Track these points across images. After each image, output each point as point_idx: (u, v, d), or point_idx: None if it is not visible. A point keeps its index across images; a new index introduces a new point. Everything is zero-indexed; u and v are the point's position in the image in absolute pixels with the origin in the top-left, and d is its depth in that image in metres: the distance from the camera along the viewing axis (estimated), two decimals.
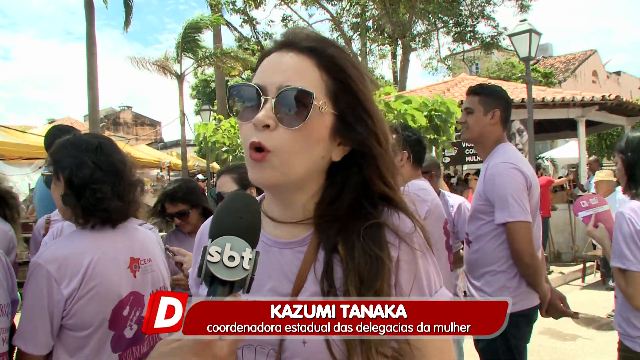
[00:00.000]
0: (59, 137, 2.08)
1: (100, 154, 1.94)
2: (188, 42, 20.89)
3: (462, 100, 7.88)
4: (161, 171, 17.14)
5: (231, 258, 0.84)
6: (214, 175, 16.74)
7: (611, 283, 8.54)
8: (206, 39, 22.55)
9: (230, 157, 10.97)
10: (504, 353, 2.87)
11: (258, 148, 1.01)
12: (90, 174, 1.89)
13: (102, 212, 1.91)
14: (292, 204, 1.12)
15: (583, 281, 9.53)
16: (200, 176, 17.64)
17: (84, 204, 1.89)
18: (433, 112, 7.74)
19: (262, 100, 1.01)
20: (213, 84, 32.03)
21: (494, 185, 2.85)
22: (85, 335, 1.84)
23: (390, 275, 1.02)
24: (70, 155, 1.92)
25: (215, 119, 13.79)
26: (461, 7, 23.07)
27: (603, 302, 7.69)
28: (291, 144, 1.01)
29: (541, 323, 6.33)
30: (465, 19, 23.48)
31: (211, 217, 1.30)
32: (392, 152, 1.13)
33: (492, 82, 16.04)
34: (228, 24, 23.25)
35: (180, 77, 21.42)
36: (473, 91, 3.13)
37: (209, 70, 24.36)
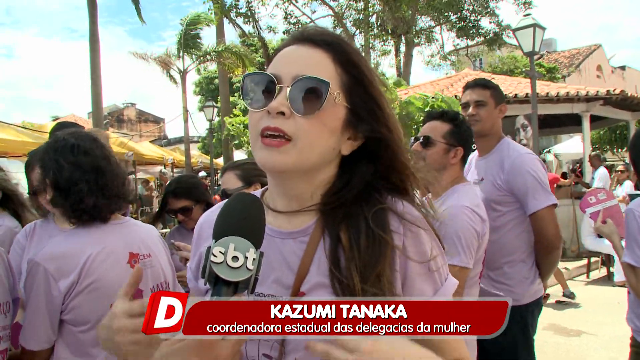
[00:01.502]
0: None
1: (78, 153, 1.95)
2: (188, 40, 20.96)
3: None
4: (165, 168, 17.18)
5: (235, 258, 0.83)
6: (218, 172, 16.78)
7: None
8: (209, 34, 22.71)
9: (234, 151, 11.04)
10: (523, 345, 2.91)
11: (272, 134, 1.02)
12: (69, 175, 1.91)
13: (84, 210, 1.93)
14: (297, 195, 1.12)
15: (588, 277, 9.51)
16: (202, 173, 17.65)
17: (70, 204, 1.91)
18: (435, 107, 7.72)
19: (277, 88, 1.03)
20: (216, 81, 32.03)
21: (524, 175, 2.91)
22: (85, 330, 1.86)
23: (394, 261, 1.03)
24: (50, 159, 1.95)
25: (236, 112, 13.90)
26: (464, 3, 22.96)
27: (607, 298, 7.68)
28: (307, 132, 1.02)
29: (545, 319, 6.34)
30: (469, 15, 23.37)
31: (209, 211, 1.30)
32: (405, 145, 1.14)
33: (497, 77, 16.00)
34: (231, 20, 23.20)
35: (182, 74, 21.47)
36: (482, 85, 3.17)
37: (212, 67, 24.37)
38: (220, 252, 0.83)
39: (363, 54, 1.16)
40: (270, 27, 23.92)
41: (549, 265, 3.01)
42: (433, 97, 8.00)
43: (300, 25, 22.50)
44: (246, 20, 22.81)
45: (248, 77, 1.09)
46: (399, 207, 1.09)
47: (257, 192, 1.23)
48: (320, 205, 1.11)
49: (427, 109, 7.58)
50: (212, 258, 0.83)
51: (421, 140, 2.66)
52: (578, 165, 14.55)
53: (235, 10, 22.22)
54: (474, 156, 3.27)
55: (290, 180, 1.10)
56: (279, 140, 1.02)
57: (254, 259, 0.84)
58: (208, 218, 1.28)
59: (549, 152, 17.60)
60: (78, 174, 1.91)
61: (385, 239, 1.03)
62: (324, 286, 1.03)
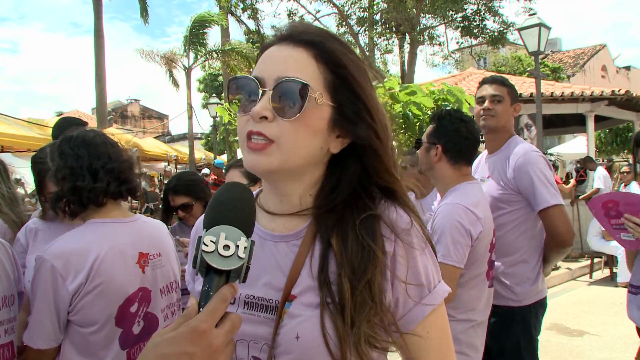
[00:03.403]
0: (67, 128, 2.09)
1: (73, 145, 1.94)
2: (195, 36, 20.95)
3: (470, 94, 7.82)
4: (168, 164, 17.19)
5: (226, 247, 0.83)
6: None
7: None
8: (214, 33, 22.67)
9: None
10: (526, 347, 2.91)
11: (257, 137, 1.01)
12: (57, 167, 1.92)
13: (66, 204, 1.93)
14: (288, 195, 1.12)
15: (590, 277, 9.48)
16: (206, 170, 17.64)
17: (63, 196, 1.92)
18: (440, 102, 7.67)
19: (260, 92, 1.02)
20: (220, 78, 32.03)
21: (530, 174, 2.90)
22: (92, 331, 1.84)
23: (385, 268, 1.02)
24: (51, 152, 1.96)
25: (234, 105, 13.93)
26: (468, 2, 22.89)
27: (610, 298, 7.67)
28: (290, 135, 1.01)
29: (548, 319, 6.33)
30: (473, 14, 23.30)
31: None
32: (391, 147, 1.12)
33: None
34: (236, 17, 23.15)
35: (187, 71, 21.49)
36: (500, 81, 3.16)
37: (217, 64, 24.36)
38: (211, 241, 0.83)
39: (367, 53, 1.14)
40: (274, 26, 23.87)
41: (557, 258, 3.05)
42: (439, 90, 7.94)
43: None
44: (250, 16, 22.80)
45: (234, 80, 1.08)
46: (391, 215, 1.07)
47: (253, 193, 1.23)
48: (312, 209, 1.11)
49: (430, 104, 7.52)
50: (203, 247, 0.82)
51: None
52: (581, 168, 14.47)
53: (241, 3, 22.20)
54: (483, 154, 3.27)
55: (280, 181, 1.10)
56: (263, 143, 1.01)
57: (245, 248, 0.84)
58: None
59: (551, 154, 17.51)
60: (62, 167, 1.92)
61: (374, 248, 1.02)
62: (315, 290, 1.02)
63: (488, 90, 3.12)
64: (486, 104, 3.08)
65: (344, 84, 1.06)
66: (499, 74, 3.38)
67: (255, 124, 1.01)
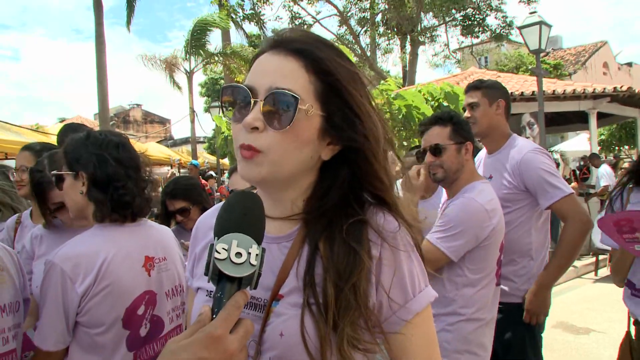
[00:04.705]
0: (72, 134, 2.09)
1: (122, 150, 1.99)
2: (197, 40, 21.00)
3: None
4: (172, 168, 17.23)
5: (238, 254, 0.84)
6: (224, 172, 16.79)
7: None
8: (215, 37, 22.74)
9: None
10: (530, 344, 2.93)
11: (248, 148, 1.03)
12: (113, 170, 1.93)
13: (126, 207, 1.96)
14: (281, 201, 1.13)
15: (596, 274, 9.46)
16: (212, 173, 17.67)
17: (109, 200, 1.93)
18: (440, 100, 7.68)
19: (252, 102, 1.03)
20: (222, 82, 32.06)
21: (536, 171, 2.91)
22: (99, 332, 1.86)
23: (370, 273, 1.04)
24: (90, 152, 1.95)
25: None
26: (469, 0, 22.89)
27: (615, 295, 7.64)
28: (279, 146, 1.02)
29: (553, 317, 6.33)
30: (474, 12, 23.29)
31: (206, 212, 1.31)
32: (384, 154, 1.12)
33: (502, 75, 15.93)
34: (238, 25, 23.14)
35: (189, 75, 21.52)
36: (473, 87, 3.21)
37: (218, 67, 24.40)
38: (223, 248, 0.84)
39: (369, 54, 1.14)
40: (276, 29, 23.85)
41: (581, 242, 2.93)
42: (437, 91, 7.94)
43: (305, 27, 22.50)
44: (252, 21, 22.82)
45: (226, 89, 1.09)
46: (379, 220, 1.08)
47: None
48: (303, 214, 1.12)
49: (427, 104, 7.52)
50: (216, 255, 0.83)
51: (430, 150, 2.67)
52: (584, 166, 14.45)
53: (241, 11, 22.22)
54: (482, 154, 3.28)
55: (272, 188, 1.12)
56: (251, 152, 1.03)
57: (257, 255, 0.85)
58: (204, 220, 1.31)
59: (555, 152, 17.48)
60: (122, 171, 1.95)
61: (360, 253, 1.03)
62: (301, 291, 1.04)
63: (466, 99, 3.21)
64: (466, 112, 3.17)
65: (334, 93, 1.06)
66: (478, 79, 3.37)
67: (246, 134, 1.03)
